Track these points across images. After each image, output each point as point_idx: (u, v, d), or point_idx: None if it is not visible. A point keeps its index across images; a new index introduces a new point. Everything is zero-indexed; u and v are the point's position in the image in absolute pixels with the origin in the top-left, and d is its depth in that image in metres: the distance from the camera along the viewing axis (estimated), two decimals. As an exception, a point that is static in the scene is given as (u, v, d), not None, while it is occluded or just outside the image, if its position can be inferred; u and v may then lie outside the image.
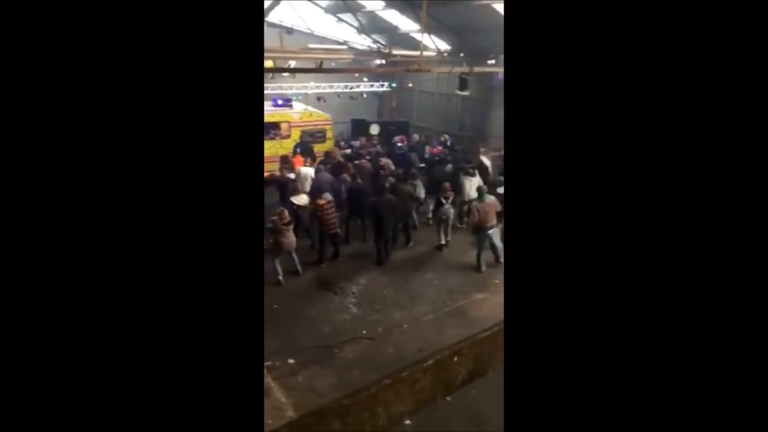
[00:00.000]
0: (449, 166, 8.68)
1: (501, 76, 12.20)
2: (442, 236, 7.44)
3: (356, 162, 8.78)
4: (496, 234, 6.73)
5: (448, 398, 4.75)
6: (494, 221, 6.70)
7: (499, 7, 9.64)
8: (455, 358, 4.74)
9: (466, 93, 8.02)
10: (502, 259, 6.83)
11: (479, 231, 6.68)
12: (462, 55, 11.31)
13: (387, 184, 7.39)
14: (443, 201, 7.24)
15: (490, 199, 6.79)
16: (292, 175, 7.93)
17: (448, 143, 11.13)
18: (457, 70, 7.68)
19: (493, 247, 6.78)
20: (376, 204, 6.81)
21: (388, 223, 6.84)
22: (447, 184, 7.45)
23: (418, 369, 4.55)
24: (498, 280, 6.58)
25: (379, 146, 10.85)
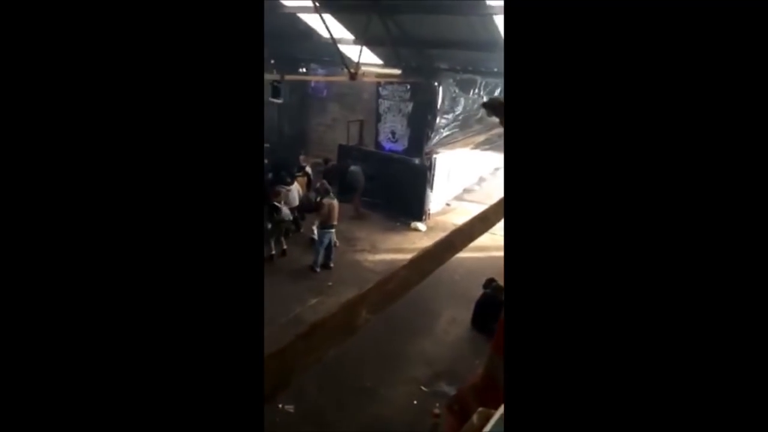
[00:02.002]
0: (269, 175, 8.54)
1: (314, 84, 12.59)
2: (273, 245, 7.28)
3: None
4: (333, 234, 6.98)
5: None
6: (336, 221, 6.95)
7: (307, 17, 9.90)
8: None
9: (279, 101, 8.00)
10: (332, 264, 7.09)
11: (325, 227, 6.83)
12: (272, 62, 11.24)
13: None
14: (277, 205, 7.12)
15: (334, 199, 7.07)
16: None
17: (265, 152, 10.92)
18: (269, 77, 7.60)
19: (329, 247, 6.98)
20: None
21: None
22: (277, 188, 7.38)
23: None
24: (331, 282, 6.77)
25: None
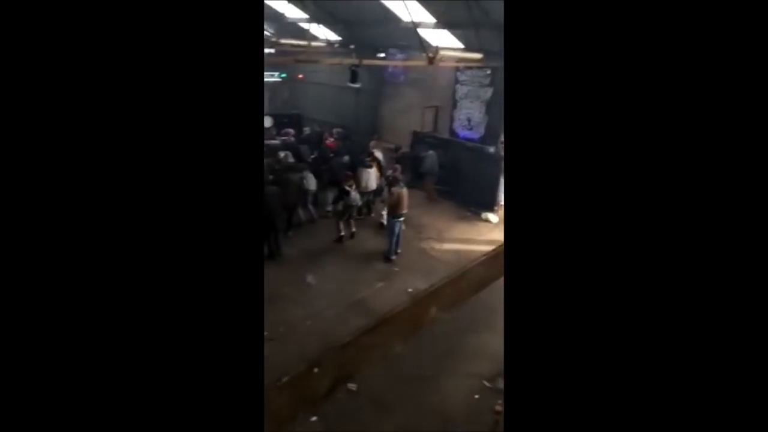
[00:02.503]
0: (346, 158, 8.70)
1: (391, 69, 12.55)
2: (342, 226, 7.46)
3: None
4: (402, 223, 6.99)
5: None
6: (405, 209, 6.94)
7: (389, 2, 9.83)
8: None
9: (357, 85, 8.07)
10: (400, 250, 7.11)
11: (396, 216, 6.87)
12: (352, 47, 11.35)
13: (270, 177, 7.21)
14: (348, 189, 7.26)
15: (403, 188, 7.07)
16: None
17: (341, 136, 11.12)
18: (347, 62, 7.68)
19: (398, 235, 7.01)
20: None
21: (275, 214, 6.70)
22: (349, 173, 7.49)
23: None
24: (398, 267, 6.81)
25: (276, 139, 10.46)
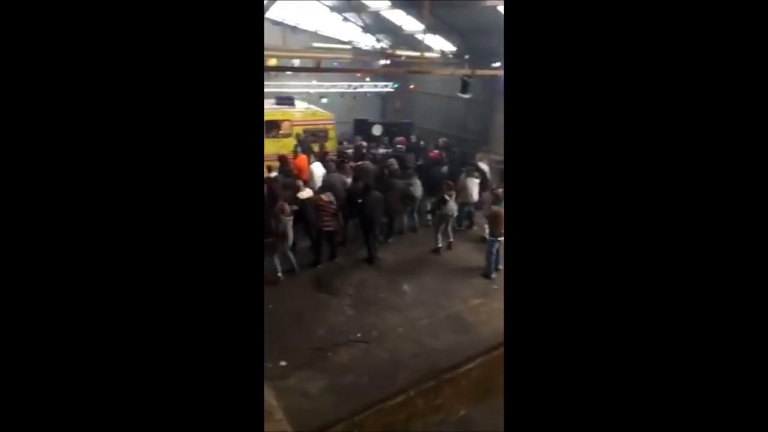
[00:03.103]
0: (445, 168, 8.62)
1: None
2: (440, 238, 7.37)
3: (359, 163, 8.70)
4: (501, 243, 6.67)
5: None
6: (503, 229, 6.65)
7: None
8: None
9: (467, 96, 7.95)
10: (501, 266, 6.79)
11: (494, 235, 6.62)
12: (467, 57, 11.24)
13: (370, 182, 7.35)
14: (447, 198, 7.15)
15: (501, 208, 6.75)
16: (273, 174, 7.77)
17: (444, 145, 11.03)
18: (459, 72, 7.61)
19: (496, 254, 6.72)
20: (363, 201, 6.79)
21: (377, 219, 6.81)
22: (450, 183, 7.38)
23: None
24: (497, 285, 6.53)
25: (382, 148, 10.77)
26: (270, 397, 4.20)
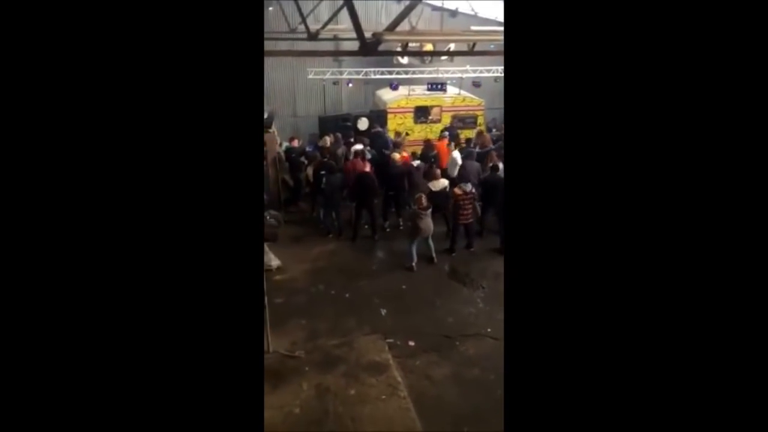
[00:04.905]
0: None
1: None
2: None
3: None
4: None
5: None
6: None
7: None
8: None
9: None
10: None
11: None
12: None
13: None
14: None
15: None
16: (416, 163, 7.81)
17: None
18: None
19: None
20: (485, 182, 6.65)
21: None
22: None
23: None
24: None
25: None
26: (396, 373, 4.44)
